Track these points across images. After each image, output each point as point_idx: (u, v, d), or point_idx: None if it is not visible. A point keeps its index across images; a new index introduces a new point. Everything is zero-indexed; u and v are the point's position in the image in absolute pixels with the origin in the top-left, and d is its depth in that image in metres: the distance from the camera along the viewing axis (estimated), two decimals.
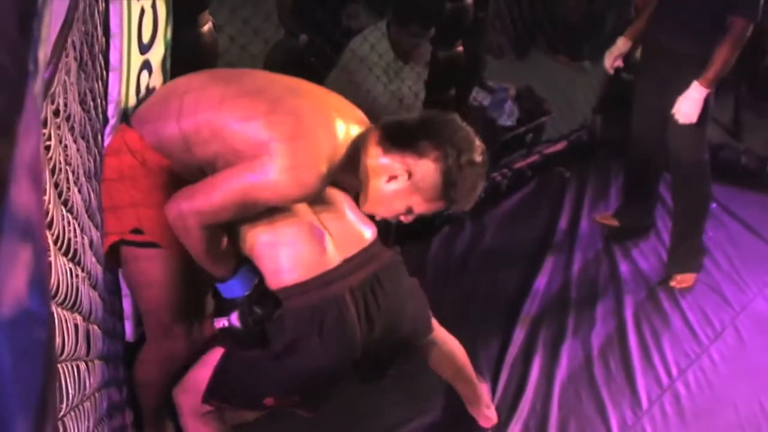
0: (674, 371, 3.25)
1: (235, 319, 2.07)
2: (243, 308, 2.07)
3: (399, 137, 2.00)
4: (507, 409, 2.91)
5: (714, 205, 4.35)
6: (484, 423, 2.77)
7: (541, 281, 3.75)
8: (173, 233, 1.97)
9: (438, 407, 2.85)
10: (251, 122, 1.89)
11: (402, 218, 2.10)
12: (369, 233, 2.29)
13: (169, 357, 2.24)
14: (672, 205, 3.95)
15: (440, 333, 2.57)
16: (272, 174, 1.86)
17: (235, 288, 2.08)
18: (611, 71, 3.97)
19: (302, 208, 2.17)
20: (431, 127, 2.02)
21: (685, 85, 3.42)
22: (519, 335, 3.34)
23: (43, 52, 0.59)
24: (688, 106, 3.43)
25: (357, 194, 2.16)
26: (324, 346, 2.10)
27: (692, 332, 3.52)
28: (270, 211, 2.07)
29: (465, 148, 2.00)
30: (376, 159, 2.01)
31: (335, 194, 2.27)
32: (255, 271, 2.11)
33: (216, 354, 2.18)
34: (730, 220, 4.44)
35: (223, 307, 2.11)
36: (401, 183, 2.00)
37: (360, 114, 2.13)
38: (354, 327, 2.13)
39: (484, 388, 2.81)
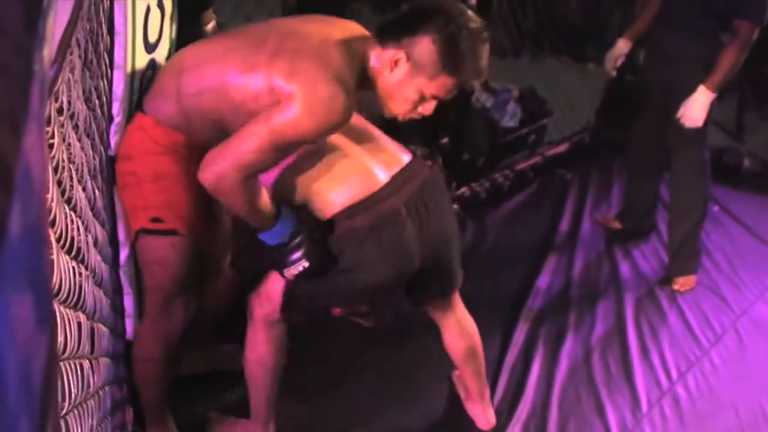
0: (674, 374, 3.24)
1: (301, 257, 2.11)
2: (304, 245, 2.10)
3: (392, 28, 2.06)
4: (507, 410, 2.91)
5: (716, 207, 4.36)
6: (481, 424, 2.76)
7: (542, 282, 3.74)
8: (191, 218, 2.09)
9: (438, 406, 2.84)
10: (254, 73, 1.95)
11: (422, 110, 2.11)
12: (406, 156, 2.32)
13: (167, 333, 2.27)
14: (670, 206, 3.95)
15: (461, 309, 2.61)
16: (296, 113, 1.90)
17: (279, 232, 2.11)
18: (613, 73, 3.95)
19: (338, 140, 2.21)
20: (422, 9, 2.06)
21: (689, 88, 3.42)
22: (519, 336, 3.34)
23: (48, 51, 0.59)
24: (694, 110, 3.43)
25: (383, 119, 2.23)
26: (385, 261, 2.18)
27: (692, 335, 3.52)
28: (310, 151, 2.15)
29: (458, 17, 2.03)
30: (377, 56, 2.05)
31: (366, 125, 2.34)
32: (290, 211, 2.14)
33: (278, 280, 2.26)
34: (731, 222, 4.44)
35: (275, 256, 2.15)
36: (402, 67, 2.03)
37: (362, 31, 2.14)
38: (411, 239, 2.21)
39: (485, 389, 2.80)
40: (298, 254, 2.10)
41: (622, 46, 3.82)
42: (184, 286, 2.23)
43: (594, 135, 5.06)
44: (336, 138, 2.18)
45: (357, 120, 2.24)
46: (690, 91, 3.42)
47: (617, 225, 4.23)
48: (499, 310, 3.49)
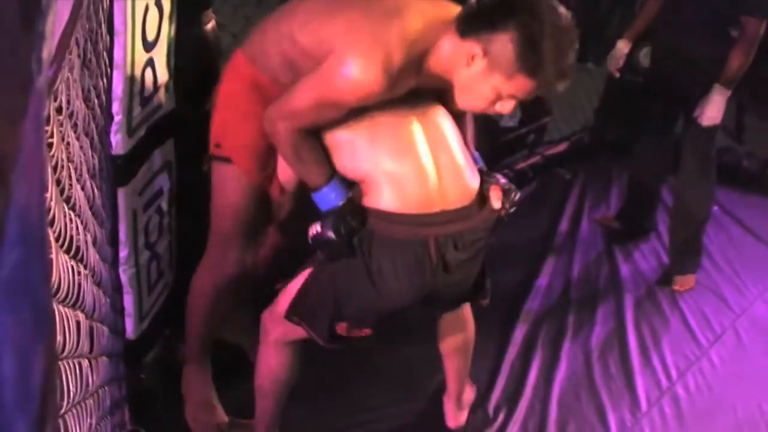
0: (674, 373, 3.25)
1: (329, 225, 2.06)
2: (337, 216, 2.06)
3: (473, 19, 1.97)
4: (506, 410, 2.91)
5: (715, 208, 4.35)
6: (450, 421, 2.72)
7: (541, 282, 3.74)
8: (248, 153, 2.21)
9: (437, 407, 2.84)
10: (311, 24, 2.04)
11: (499, 109, 2.05)
12: (474, 183, 2.19)
13: (220, 275, 2.38)
14: (673, 205, 3.94)
15: (461, 310, 2.56)
16: (331, 71, 1.95)
17: (329, 199, 2.09)
18: (616, 74, 3.94)
19: (422, 143, 2.13)
20: (507, 2, 1.96)
21: (702, 87, 3.43)
22: (519, 335, 3.34)
23: (47, 51, 0.59)
24: (712, 108, 3.43)
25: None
26: (399, 282, 2.10)
27: (692, 335, 3.52)
28: (386, 140, 2.10)
29: (544, 15, 1.92)
30: (454, 46, 1.98)
31: (449, 130, 2.20)
32: (349, 186, 2.11)
33: (303, 276, 2.23)
34: (731, 223, 4.43)
35: (317, 218, 2.13)
36: (479, 63, 1.96)
37: (448, 11, 2.06)
38: (429, 273, 2.11)
39: (469, 390, 2.75)
40: (327, 223, 2.07)
41: (623, 46, 3.82)
42: (241, 228, 2.32)
43: (593, 134, 5.06)
44: (421, 141, 2.12)
45: (452, 134, 2.19)
46: (703, 90, 3.43)
47: (616, 225, 4.22)
48: (499, 310, 3.48)
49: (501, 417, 2.87)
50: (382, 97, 2.00)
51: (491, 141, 4.44)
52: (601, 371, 3.21)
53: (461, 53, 1.97)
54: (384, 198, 2.07)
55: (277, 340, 2.32)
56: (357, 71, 1.93)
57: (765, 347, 3.50)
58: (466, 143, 2.28)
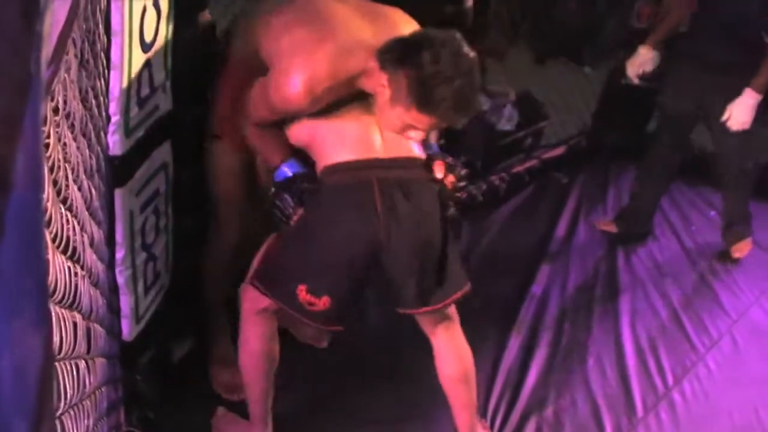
0: (670, 379, 3.25)
1: (278, 191, 2.33)
2: (287, 182, 2.33)
3: (388, 53, 2.15)
4: (502, 415, 2.91)
5: (713, 213, 4.36)
6: None
7: (537, 287, 3.74)
8: (233, 128, 2.44)
9: (434, 408, 2.82)
10: (272, 33, 2.28)
11: (410, 135, 2.24)
12: (417, 151, 2.36)
13: (216, 249, 2.68)
14: (723, 194, 4.06)
15: (453, 332, 2.51)
16: (274, 84, 2.22)
17: (283, 173, 2.35)
18: (637, 81, 3.91)
19: (359, 108, 2.32)
20: (416, 41, 2.14)
21: (729, 93, 3.47)
22: (515, 340, 3.34)
23: (45, 52, 0.59)
24: (742, 112, 3.48)
25: None
26: (346, 228, 2.23)
27: (689, 340, 3.52)
28: (329, 110, 2.30)
29: (441, 58, 2.07)
30: (374, 73, 2.19)
31: None
32: (304, 163, 2.36)
33: (267, 244, 2.43)
34: None
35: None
36: (386, 93, 2.16)
37: (387, 32, 2.24)
38: (375, 214, 2.22)
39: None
40: (278, 190, 2.33)
41: (645, 53, 3.81)
42: (234, 196, 2.60)
43: (590, 138, 5.06)
44: (368, 112, 2.31)
45: None
46: (731, 95, 3.47)
47: (614, 229, 4.22)
48: (495, 314, 3.49)
49: (497, 423, 2.86)
50: (311, 109, 2.25)
51: (488, 144, 4.45)
52: (598, 376, 3.21)
53: (376, 81, 2.18)
54: (330, 154, 2.27)
55: (249, 310, 2.40)
56: (286, 89, 2.19)
57: (762, 352, 3.51)
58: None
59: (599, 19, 7.22)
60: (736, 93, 3.48)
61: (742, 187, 3.91)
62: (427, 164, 2.37)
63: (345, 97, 2.30)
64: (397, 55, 2.12)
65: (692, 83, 3.66)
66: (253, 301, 2.38)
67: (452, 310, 2.50)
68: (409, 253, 2.29)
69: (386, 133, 2.31)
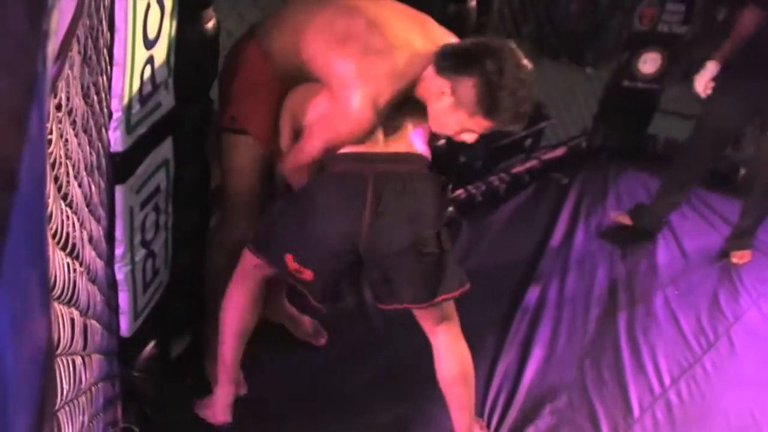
0: (667, 380, 3.25)
1: None
2: None
3: (449, 58, 2.26)
4: (498, 416, 2.91)
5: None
6: None
7: (536, 287, 3.75)
8: (261, 123, 2.49)
9: (432, 408, 2.83)
10: (318, 46, 2.34)
11: (464, 138, 2.35)
12: (420, 147, 2.41)
13: (236, 241, 2.59)
14: (747, 202, 4.13)
15: (451, 332, 2.51)
16: (336, 113, 2.30)
17: None
18: (704, 95, 3.88)
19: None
20: (479, 49, 2.24)
21: None
22: (513, 340, 3.34)
23: (52, 48, 0.59)
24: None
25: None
26: (334, 213, 2.30)
27: (685, 341, 3.53)
28: None
29: (506, 65, 2.19)
30: (430, 79, 2.28)
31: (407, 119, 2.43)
32: None
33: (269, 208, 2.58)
34: (727, 229, 4.44)
35: None
36: (447, 100, 2.26)
37: (435, 42, 2.33)
38: (363, 208, 2.26)
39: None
40: None
41: (713, 68, 3.80)
42: (249, 194, 2.62)
43: (591, 140, 5.07)
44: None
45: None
46: None
47: (628, 221, 4.30)
48: (493, 314, 3.49)
49: (494, 423, 2.87)
50: (377, 124, 2.31)
51: (489, 145, 4.45)
52: (594, 377, 3.21)
53: (434, 87, 2.28)
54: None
55: (241, 269, 2.49)
56: (356, 117, 2.27)
57: (758, 354, 3.52)
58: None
59: (601, 21, 7.25)
60: None
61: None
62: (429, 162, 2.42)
63: None
64: (459, 62, 2.23)
65: (744, 96, 3.70)
66: (247, 260, 2.47)
67: (452, 310, 2.51)
68: (402, 247, 2.31)
69: (390, 127, 2.37)
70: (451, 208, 4.04)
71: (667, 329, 3.60)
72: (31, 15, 0.54)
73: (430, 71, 2.29)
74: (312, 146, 2.37)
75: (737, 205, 4.45)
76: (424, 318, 2.50)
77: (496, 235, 4.15)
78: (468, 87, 2.21)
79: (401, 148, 2.38)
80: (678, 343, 3.52)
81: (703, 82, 3.82)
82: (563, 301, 3.69)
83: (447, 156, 3.60)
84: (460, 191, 4.20)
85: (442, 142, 2.70)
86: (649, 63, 4.71)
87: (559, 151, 4.95)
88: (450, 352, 2.52)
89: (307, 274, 2.38)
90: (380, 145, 2.36)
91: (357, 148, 2.33)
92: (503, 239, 4.12)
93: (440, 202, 2.39)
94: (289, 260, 2.37)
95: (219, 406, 2.58)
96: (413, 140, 2.40)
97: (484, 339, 3.25)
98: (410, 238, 2.30)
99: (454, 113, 2.27)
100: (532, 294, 3.68)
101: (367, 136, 2.33)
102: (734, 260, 4.11)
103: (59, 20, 0.65)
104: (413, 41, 2.33)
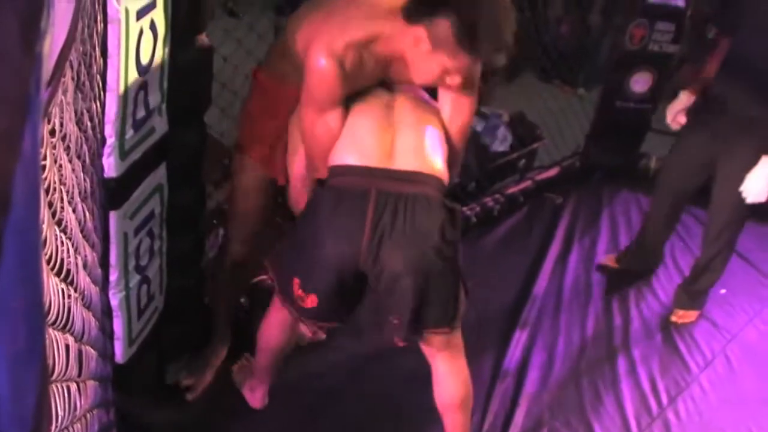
0: (664, 399, 3.25)
1: None
2: None
3: (417, 6, 2.19)
4: None
5: (723, 291, 4.31)
6: None
7: (532, 307, 3.74)
8: (262, 149, 2.58)
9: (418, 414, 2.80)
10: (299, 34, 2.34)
11: (449, 82, 2.27)
12: (437, 166, 2.33)
13: (233, 260, 2.79)
14: (701, 250, 3.78)
15: (452, 356, 2.47)
16: (305, 75, 2.25)
17: None
18: (676, 127, 3.68)
19: (381, 112, 2.34)
20: None
21: (747, 150, 3.25)
22: (509, 360, 3.34)
23: (45, 73, 0.60)
24: (759, 183, 3.22)
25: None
26: (335, 230, 2.24)
27: (682, 360, 3.52)
28: (356, 112, 2.33)
29: (477, 1, 2.13)
30: (404, 32, 2.21)
31: (428, 116, 2.40)
32: None
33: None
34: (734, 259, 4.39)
35: None
36: (424, 45, 2.19)
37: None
38: (363, 223, 2.21)
39: None
40: None
41: (686, 98, 3.61)
42: (250, 210, 2.71)
43: (584, 160, 5.08)
44: (387, 117, 2.33)
45: (429, 128, 2.36)
46: (749, 156, 3.24)
47: (616, 266, 4.11)
48: (489, 334, 3.49)
49: None
50: (346, 77, 2.22)
51: (482, 165, 4.47)
52: (592, 396, 3.21)
53: (409, 37, 2.20)
54: (340, 154, 2.29)
55: (276, 303, 2.52)
56: (315, 69, 2.21)
57: (755, 373, 3.51)
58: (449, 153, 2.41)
59: (592, 42, 7.29)
60: (753, 154, 3.22)
61: (723, 247, 3.66)
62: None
63: (373, 97, 2.35)
64: (432, 4, 2.16)
65: (710, 131, 3.45)
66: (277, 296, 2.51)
67: (458, 337, 2.47)
68: (402, 272, 2.23)
69: (408, 144, 2.31)
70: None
71: (663, 348, 3.60)
72: (23, 38, 0.54)
73: (399, 25, 2.22)
74: (305, 121, 2.33)
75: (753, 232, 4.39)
76: (431, 342, 2.45)
77: (491, 256, 4.14)
78: (445, 28, 2.13)
79: (413, 167, 2.28)
80: (675, 361, 3.51)
81: (673, 113, 3.65)
82: (559, 321, 3.68)
83: None
84: None
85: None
86: (640, 82, 4.73)
87: (553, 172, 4.96)
88: (452, 378, 2.48)
89: (311, 300, 2.31)
90: (389, 160, 2.28)
91: (362, 161, 2.26)
92: (498, 260, 4.12)
93: (446, 228, 2.27)
94: (295, 285, 2.32)
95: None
96: (432, 159, 2.32)
97: (480, 361, 3.24)
98: (414, 260, 2.23)
99: (434, 57, 2.20)
100: (528, 315, 3.67)
101: (343, 89, 2.25)
102: (673, 319, 3.80)
103: (52, 45, 0.65)
104: (377, 3, 2.29)
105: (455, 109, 2.41)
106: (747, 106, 3.26)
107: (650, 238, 3.99)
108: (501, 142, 4.62)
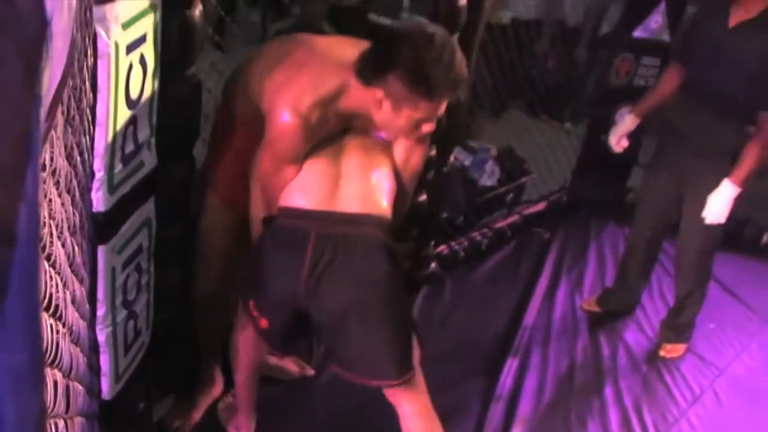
0: None
1: None
2: None
3: (367, 68, 2.19)
4: None
5: (712, 325, 4.31)
6: None
7: (520, 341, 3.74)
8: (224, 181, 2.60)
9: None
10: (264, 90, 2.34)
11: (424, 130, 2.27)
12: (381, 205, 2.35)
13: (201, 296, 2.77)
14: (675, 284, 3.79)
15: (413, 404, 2.43)
16: (269, 123, 2.28)
17: None
18: (618, 150, 3.66)
19: (332, 156, 2.36)
20: (388, 43, 2.17)
21: (711, 179, 3.23)
22: (499, 398, 3.32)
23: (43, 109, 0.60)
24: (719, 205, 3.22)
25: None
26: (277, 270, 2.33)
27: (671, 395, 3.52)
28: (310, 160, 2.35)
29: (419, 45, 2.11)
30: (362, 93, 2.22)
31: (378, 158, 2.41)
32: None
33: None
34: (740, 291, 4.41)
35: None
36: (386, 105, 2.19)
37: (351, 53, 2.27)
38: (302, 262, 2.26)
39: None
40: None
41: (630, 122, 3.58)
42: (213, 257, 2.71)
43: (571, 194, 5.11)
44: (332, 156, 2.36)
45: (374, 154, 2.39)
46: (712, 181, 3.23)
47: (597, 308, 4.06)
48: (478, 371, 3.47)
49: None
50: (307, 140, 2.28)
51: (470, 200, 4.48)
52: (580, 431, 3.19)
53: (370, 99, 2.21)
54: (289, 195, 2.33)
55: (240, 324, 2.60)
56: (277, 122, 2.24)
57: (744, 408, 3.51)
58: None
59: (579, 76, 7.35)
60: (715, 179, 3.22)
61: (700, 277, 3.65)
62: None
63: (329, 142, 2.36)
64: (376, 64, 2.17)
65: (671, 159, 3.46)
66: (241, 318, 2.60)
67: (419, 381, 2.43)
68: (343, 312, 2.28)
69: (354, 186, 2.33)
70: (433, 265, 4.04)
71: (652, 383, 3.59)
72: (26, 76, 0.54)
73: (357, 85, 2.24)
74: (262, 168, 2.37)
75: (719, 258, 4.43)
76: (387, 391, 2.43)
77: (479, 291, 4.14)
78: (396, 82, 2.14)
79: (357, 209, 2.32)
80: (663, 397, 3.50)
81: (617, 137, 3.61)
82: (548, 357, 3.67)
83: (429, 211, 3.62)
84: (442, 247, 4.21)
85: (423, 197, 2.71)
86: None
87: (540, 206, 4.98)
88: (417, 416, 2.43)
89: (264, 322, 2.42)
90: (333, 202, 2.32)
91: (306, 204, 2.31)
92: (486, 296, 4.12)
93: (390, 270, 2.31)
94: (251, 306, 2.44)
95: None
96: (377, 199, 2.35)
97: (468, 396, 3.23)
98: (356, 302, 2.27)
99: (399, 113, 2.20)
100: (517, 350, 3.67)
101: (303, 146, 2.29)
102: (662, 353, 3.79)
103: (49, 82, 0.65)
104: (337, 51, 2.32)
105: (408, 152, 2.43)
106: (705, 131, 3.27)
107: (631, 278, 3.95)
108: (489, 176, 4.64)
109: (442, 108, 2.27)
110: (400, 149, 2.42)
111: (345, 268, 2.26)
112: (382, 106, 2.20)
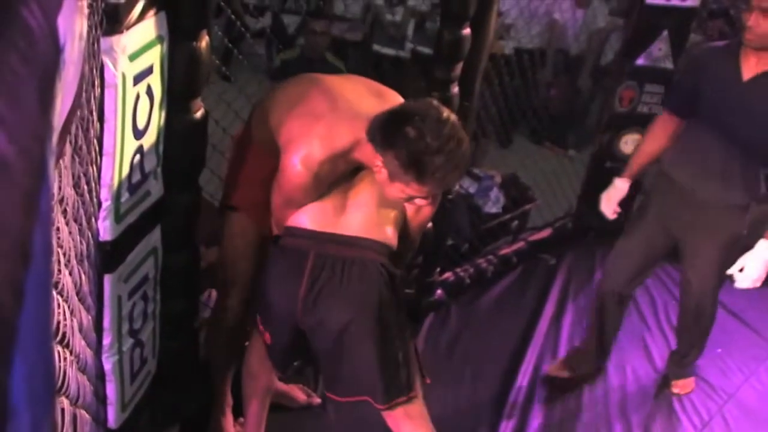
0: None
1: None
2: None
3: (375, 132, 2.20)
4: None
5: (719, 350, 4.29)
6: None
7: (526, 369, 3.72)
8: (245, 195, 2.60)
9: None
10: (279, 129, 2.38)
11: (417, 202, 2.32)
12: (384, 231, 2.38)
13: (221, 323, 2.80)
14: (677, 335, 3.68)
15: (417, 429, 2.46)
16: (279, 173, 2.34)
17: None
18: (613, 217, 3.40)
19: (343, 187, 2.41)
20: (397, 118, 2.17)
21: (724, 235, 3.08)
22: (505, 424, 3.31)
23: (55, 138, 0.62)
24: (756, 270, 2.91)
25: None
26: (277, 287, 2.40)
27: (679, 421, 3.50)
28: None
29: (424, 130, 2.11)
30: (370, 152, 2.24)
31: (388, 200, 2.40)
32: None
33: None
34: (749, 325, 4.38)
35: None
36: (383, 174, 2.22)
37: (372, 107, 2.29)
38: (301, 280, 2.33)
39: None
40: None
41: (621, 186, 3.35)
42: (238, 274, 2.69)
43: (576, 221, 5.11)
44: (344, 191, 2.41)
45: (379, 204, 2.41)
46: (722, 238, 3.08)
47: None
48: (484, 396, 3.47)
49: None
50: (318, 186, 2.33)
51: (475, 227, 4.48)
52: None
53: (373, 160, 2.24)
54: (294, 216, 2.38)
55: (254, 332, 2.65)
56: (288, 173, 2.28)
57: None
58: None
59: (582, 104, 7.39)
60: (725, 234, 3.07)
61: (702, 323, 3.46)
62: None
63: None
64: (383, 136, 2.17)
65: (667, 215, 3.27)
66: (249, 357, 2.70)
67: (417, 406, 2.47)
68: (336, 332, 2.34)
69: (359, 211, 2.38)
70: (439, 292, 4.04)
71: (660, 409, 3.57)
72: (41, 101, 0.56)
73: (366, 148, 2.26)
74: (273, 200, 2.42)
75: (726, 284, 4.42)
76: (387, 414, 2.46)
77: (485, 318, 4.13)
78: (392, 160, 2.15)
79: (359, 233, 2.35)
80: (671, 423, 3.48)
81: (611, 205, 3.37)
82: (554, 383, 3.65)
83: (434, 239, 3.63)
84: (448, 274, 4.21)
85: (428, 225, 2.71)
86: (630, 144, 4.77)
87: (546, 233, 4.98)
88: None
89: (267, 337, 2.50)
90: (335, 225, 2.36)
91: (309, 225, 2.36)
92: (492, 323, 4.11)
93: (384, 294, 2.34)
94: (259, 322, 2.51)
95: None
96: (379, 225, 2.38)
97: (475, 424, 3.21)
98: (343, 323, 2.32)
99: (393, 184, 2.22)
100: (523, 377, 3.65)
101: (312, 193, 2.34)
102: (675, 390, 3.66)
103: (60, 111, 0.67)
104: (356, 102, 2.33)
105: (415, 209, 2.45)
106: (718, 183, 3.04)
107: (606, 336, 3.65)
108: (494, 203, 4.65)
109: (437, 191, 2.31)
110: (409, 204, 2.41)
111: (340, 289, 2.31)
112: (381, 172, 2.23)
